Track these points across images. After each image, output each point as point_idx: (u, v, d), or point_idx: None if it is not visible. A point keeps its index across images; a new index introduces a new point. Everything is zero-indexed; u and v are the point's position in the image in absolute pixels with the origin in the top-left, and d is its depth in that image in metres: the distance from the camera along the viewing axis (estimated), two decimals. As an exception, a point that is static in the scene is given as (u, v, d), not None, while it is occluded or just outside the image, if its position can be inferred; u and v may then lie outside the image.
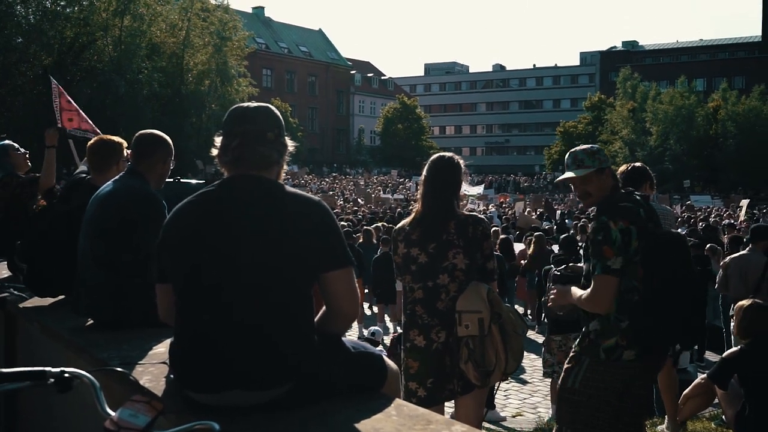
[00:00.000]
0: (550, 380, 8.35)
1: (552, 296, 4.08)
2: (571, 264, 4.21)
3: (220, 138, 2.56)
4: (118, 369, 2.46)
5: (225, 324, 2.34)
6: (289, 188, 2.53)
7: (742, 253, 8.48)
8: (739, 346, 5.19)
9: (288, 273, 2.37)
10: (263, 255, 2.35)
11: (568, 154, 3.92)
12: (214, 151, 2.56)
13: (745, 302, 5.35)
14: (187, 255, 2.44)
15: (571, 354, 3.88)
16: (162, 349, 3.11)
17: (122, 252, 3.63)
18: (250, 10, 77.28)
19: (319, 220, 2.45)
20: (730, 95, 59.99)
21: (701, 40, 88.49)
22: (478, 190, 36.84)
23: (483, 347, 3.94)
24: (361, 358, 2.63)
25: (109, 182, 3.84)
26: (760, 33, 78.31)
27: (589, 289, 3.66)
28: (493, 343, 3.95)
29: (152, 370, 2.85)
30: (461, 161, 4.34)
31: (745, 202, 30.25)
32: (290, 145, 2.66)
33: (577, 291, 3.82)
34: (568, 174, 3.82)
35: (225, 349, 2.33)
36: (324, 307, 2.60)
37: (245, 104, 2.63)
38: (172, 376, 2.61)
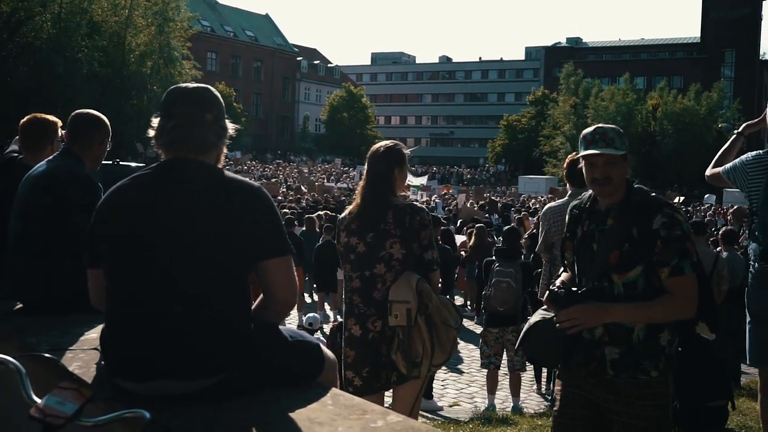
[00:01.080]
0: (486, 371, 8.45)
1: (573, 320, 3.16)
2: (565, 282, 3.43)
3: (158, 119, 2.49)
4: (46, 355, 2.39)
5: (157, 311, 2.29)
6: (228, 173, 2.48)
7: None
8: None
9: (224, 260, 2.33)
10: (198, 241, 2.30)
11: (592, 129, 3.29)
12: (151, 132, 2.49)
13: None
14: (119, 240, 2.37)
15: (649, 386, 3.19)
16: (94, 335, 3.03)
17: (55, 235, 3.53)
18: (195, -8, 76.08)
19: (258, 206, 2.41)
20: (666, 94, 61.39)
21: (643, 39, 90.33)
22: (422, 180, 37.02)
23: (411, 338, 3.94)
24: (298, 346, 2.61)
25: (42, 162, 3.73)
26: (699, 34, 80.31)
27: (674, 295, 3.12)
28: (419, 335, 3.95)
29: (83, 357, 2.78)
30: (401, 149, 4.31)
31: (678, 200, 31.10)
32: (231, 128, 2.60)
33: (639, 305, 3.15)
34: (595, 150, 3.20)
35: (156, 337, 2.28)
36: (261, 295, 2.56)
37: (183, 85, 2.57)
38: (103, 362, 2.55)
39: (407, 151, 4.34)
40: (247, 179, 2.53)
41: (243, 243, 2.35)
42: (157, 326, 2.28)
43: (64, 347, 2.90)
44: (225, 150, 2.62)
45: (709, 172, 4.74)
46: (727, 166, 4.47)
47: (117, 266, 2.39)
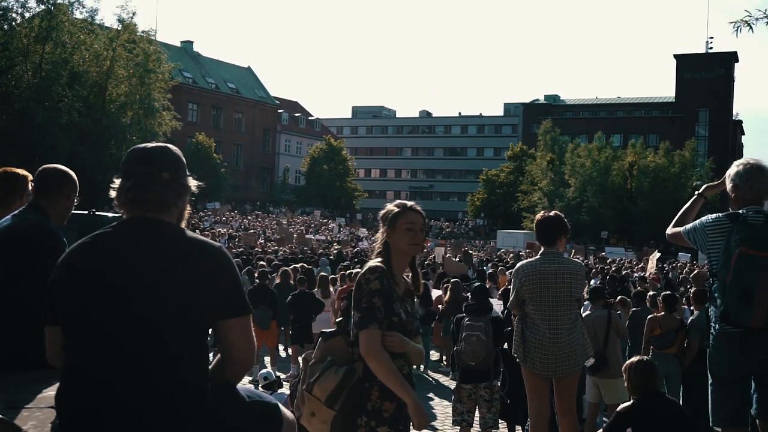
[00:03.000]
0: (459, 428, 8.37)
1: None
2: None
3: (119, 180, 2.52)
4: (-2, 415, 2.37)
5: (112, 371, 2.28)
6: (188, 232, 2.50)
7: (586, 313, 8.92)
8: (632, 400, 5.33)
9: (182, 319, 2.33)
10: (156, 300, 2.31)
11: None
12: (113, 193, 2.52)
13: (633, 360, 5.52)
14: (77, 298, 2.37)
15: None
16: (53, 392, 2.99)
17: (17, 289, 3.50)
18: (178, 44, 76.69)
19: (217, 266, 2.42)
20: (640, 151, 62.23)
21: (619, 97, 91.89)
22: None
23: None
24: (255, 407, 2.60)
25: (8, 217, 3.72)
26: (673, 94, 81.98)
27: None
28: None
29: (38, 415, 2.75)
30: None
31: (655, 256, 31.27)
32: (193, 185, 2.62)
33: None
34: None
35: (111, 396, 2.26)
36: (219, 355, 2.56)
37: (142, 145, 2.60)
38: (57, 422, 2.52)
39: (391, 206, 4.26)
40: (208, 239, 2.55)
41: (200, 302, 2.36)
42: (110, 386, 2.27)
43: (21, 405, 2.86)
44: (188, 207, 2.64)
45: (669, 231, 4.80)
46: (688, 226, 4.53)
47: (73, 324, 2.38)
